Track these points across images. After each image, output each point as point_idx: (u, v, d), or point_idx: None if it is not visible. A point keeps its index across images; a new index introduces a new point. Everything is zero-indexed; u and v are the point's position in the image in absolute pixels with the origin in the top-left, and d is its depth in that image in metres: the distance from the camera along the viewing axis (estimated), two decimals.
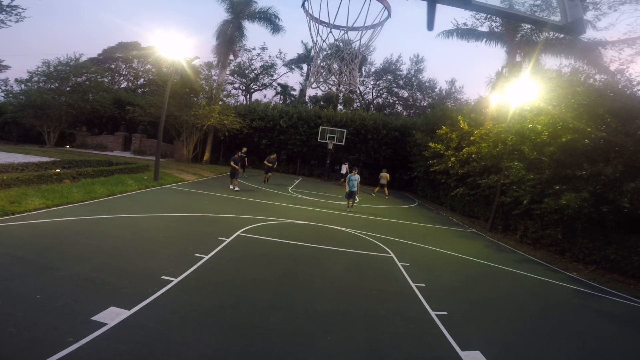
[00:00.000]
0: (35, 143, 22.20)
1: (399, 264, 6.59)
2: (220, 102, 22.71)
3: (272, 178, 17.15)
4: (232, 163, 12.90)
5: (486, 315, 4.88)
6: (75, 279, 4.14)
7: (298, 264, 5.92)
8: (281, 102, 37.49)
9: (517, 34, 19.51)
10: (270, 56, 41.80)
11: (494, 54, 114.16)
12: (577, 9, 1.57)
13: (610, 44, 16.47)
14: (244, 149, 17.38)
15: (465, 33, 21.61)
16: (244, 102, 33.69)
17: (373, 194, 18.17)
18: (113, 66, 37.37)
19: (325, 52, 22.96)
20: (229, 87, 33.09)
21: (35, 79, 20.98)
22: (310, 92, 35.49)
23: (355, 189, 12.19)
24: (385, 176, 17.83)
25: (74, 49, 32.21)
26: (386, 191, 17.98)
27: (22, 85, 21.47)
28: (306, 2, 20.19)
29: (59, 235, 5.57)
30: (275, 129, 23.66)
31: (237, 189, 12.79)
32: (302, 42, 37.26)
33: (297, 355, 3.31)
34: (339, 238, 8.07)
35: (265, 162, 16.79)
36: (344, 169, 21.03)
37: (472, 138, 13.62)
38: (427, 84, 35.72)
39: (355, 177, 12.19)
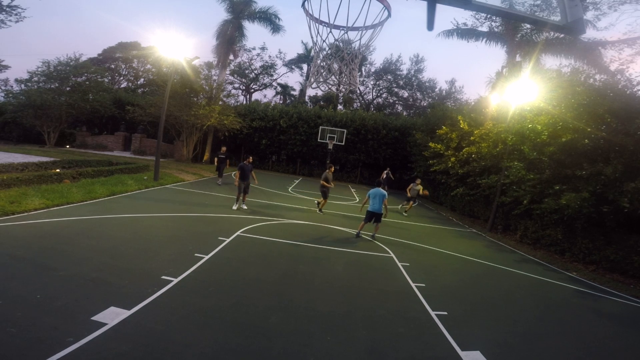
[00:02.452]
0: (35, 143, 22.22)
1: (399, 264, 6.59)
2: (220, 102, 22.73)
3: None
4: (237, 175, 9.78)
5: (486, 315, 4.88)
6: (75, 279, 4.13)
7: (298, 264, 5.92)
8: (281, 102, 37.51)
9: (517, 34, 19.52)
10: (270, 56, 42.01)
11: (494, 54, 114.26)
12: (577, 9, 1.57)
13: (610, 44, 16.48)
14: (224, 149, 14.82)
15: (465, 33, 21.61)
16: (244, 102, 33.70)
17: (405, 213, 13.56)
18: (113, 66, 37.39)
19: (325, 52, 22.88)
20: (229, 87, 33.13)
21: (35, 79, 21.01)
22: (310, 92, 35.60)
23: (381, 211, 8.24)
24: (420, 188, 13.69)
25: (74, 49, 32.27)
26: (410, 204, 13.64)
27: (22, 85, 21.49)
28: (306, 2, 20.14)
29: (59, 235, 5.57)
30: (275, 129, 23.68)
31: (239, 207, 9.75)
32: (302, 42, 37.32)
33: (297, 355, 3.31)
34: (339, 238, 8.06)
35: (322, 181, 10.74)
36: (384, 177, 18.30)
37: (472, 138, 13.61)
38: (427, 84, 35.73)
39: (383, 193, 8.27)
